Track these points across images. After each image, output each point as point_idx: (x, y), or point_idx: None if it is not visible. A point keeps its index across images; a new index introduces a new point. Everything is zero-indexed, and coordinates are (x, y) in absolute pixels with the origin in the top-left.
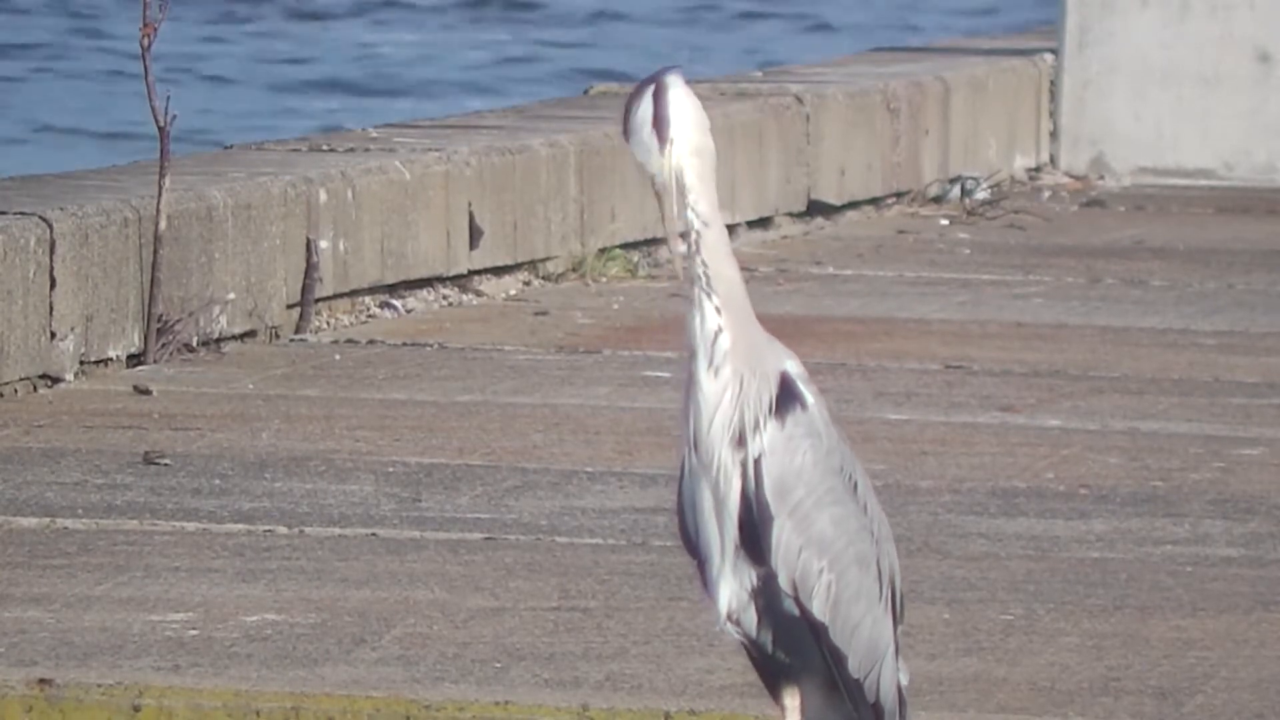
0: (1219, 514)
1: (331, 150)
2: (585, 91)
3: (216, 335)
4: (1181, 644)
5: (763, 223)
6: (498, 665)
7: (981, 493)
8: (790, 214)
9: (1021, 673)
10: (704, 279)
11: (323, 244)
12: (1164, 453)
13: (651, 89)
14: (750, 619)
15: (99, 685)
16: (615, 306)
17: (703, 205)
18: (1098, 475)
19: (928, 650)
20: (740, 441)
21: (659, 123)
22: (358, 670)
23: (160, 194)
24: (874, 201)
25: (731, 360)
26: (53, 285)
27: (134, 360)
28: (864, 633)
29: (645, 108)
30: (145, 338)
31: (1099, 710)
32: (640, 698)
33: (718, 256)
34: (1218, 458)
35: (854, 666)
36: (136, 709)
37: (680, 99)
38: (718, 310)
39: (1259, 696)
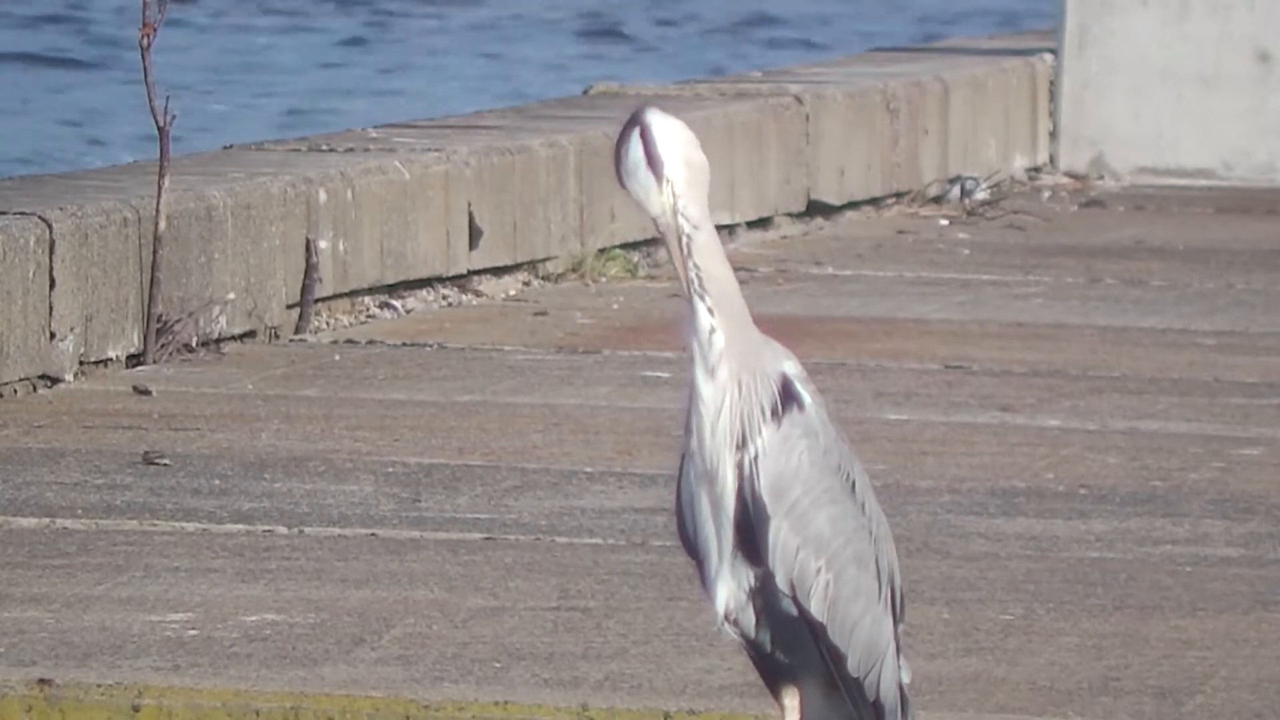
0: (1218, 514)
1: (331, 150)
2: (585, 91)
3: (216, 335)
4: (1181, 644)
5: (762, 223)
6: (497, 665)
7: (981, 493)
8: (790, 214)
9: (1021, 673)
10: (696, 281)
11: (322, 244)
12: (1163, 453)
13: (637, 130)
14: (749, 619)
15: (98, 685)
16: (615, 306)
17: (692, 209)
18: (1097, 475)
19: (927, 650)
20: (741, 445)
21: (653, 162)
22: (357, 670)
23: (160, 194)
24: (874, 201)
25: (727, 361)
26: (52, 285)
27: (134, 360)
28: (863, 631)
29: (636, 149)
30: (145, 338)
31: (1099, 710)
32: (640, 698)
33: (709, 258)
34: (1217, 458)
35: (853, 665)
36: (136, 709)
37: (666, 132)
38: (710, 311)
39: (1258, 696)
